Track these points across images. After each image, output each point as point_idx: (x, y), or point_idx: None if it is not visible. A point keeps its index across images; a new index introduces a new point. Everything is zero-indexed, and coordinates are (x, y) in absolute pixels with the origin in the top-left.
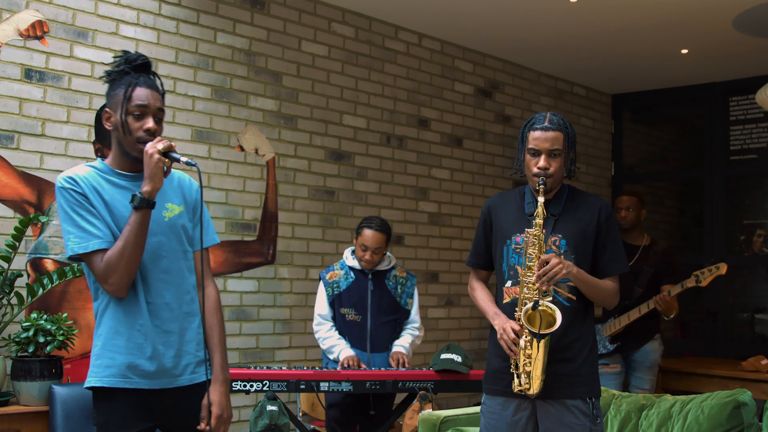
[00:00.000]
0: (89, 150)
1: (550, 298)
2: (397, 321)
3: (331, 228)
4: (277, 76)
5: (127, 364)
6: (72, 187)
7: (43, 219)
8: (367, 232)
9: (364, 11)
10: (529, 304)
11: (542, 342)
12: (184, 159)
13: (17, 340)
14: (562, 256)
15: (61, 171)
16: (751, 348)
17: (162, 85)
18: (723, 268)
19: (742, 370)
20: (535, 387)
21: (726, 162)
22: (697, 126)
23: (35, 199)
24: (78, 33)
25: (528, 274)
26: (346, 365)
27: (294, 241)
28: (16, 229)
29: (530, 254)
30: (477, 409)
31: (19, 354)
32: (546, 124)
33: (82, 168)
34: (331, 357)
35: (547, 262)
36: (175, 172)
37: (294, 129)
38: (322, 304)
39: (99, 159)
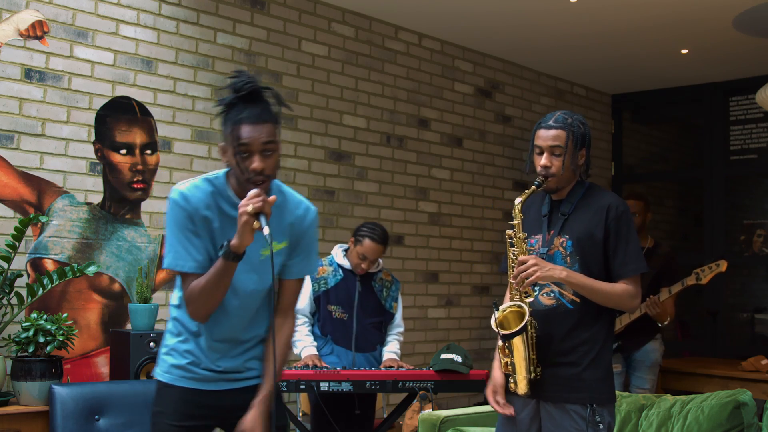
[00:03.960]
0: (89, 150)
1: (531, 299)
2: (382, 324)
3: (331, 228)
4: (277, 76)
5: (187, 369)
6: (183, 206)
7: (43, 219)
8: (370, 244)
9: (364, 11)
10: (495, 308)
11: (517, 342)
12: (266, 231)
13: (17, 340)
14: (568, 258)
15: (61, 171)
16: (751, 348)
17: (278, 103)
18: (723, 266)
19: (742, 370)
20: (521, 387)
21: (726, 162)
22: (697, 126)
23: (35, 199)
24: (78, 33)
25: (511, 275)
26: (309, 364)
27: None
28: (16, 229)
29: (511, 256)
30: (477, 409)
31: (19, 354)
32: (550, 122)
33: (199, 186)
34: (295, 351)
35: (524, 263)
36: (293, 197)
37: (294, 129)
38: (302, 299)
39: (223, 173)
